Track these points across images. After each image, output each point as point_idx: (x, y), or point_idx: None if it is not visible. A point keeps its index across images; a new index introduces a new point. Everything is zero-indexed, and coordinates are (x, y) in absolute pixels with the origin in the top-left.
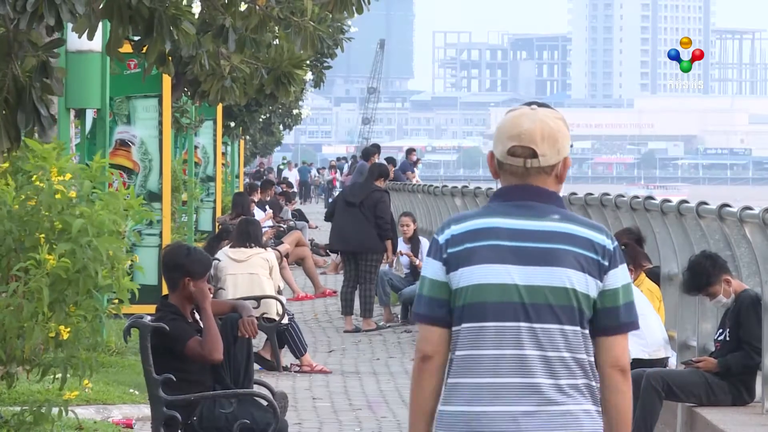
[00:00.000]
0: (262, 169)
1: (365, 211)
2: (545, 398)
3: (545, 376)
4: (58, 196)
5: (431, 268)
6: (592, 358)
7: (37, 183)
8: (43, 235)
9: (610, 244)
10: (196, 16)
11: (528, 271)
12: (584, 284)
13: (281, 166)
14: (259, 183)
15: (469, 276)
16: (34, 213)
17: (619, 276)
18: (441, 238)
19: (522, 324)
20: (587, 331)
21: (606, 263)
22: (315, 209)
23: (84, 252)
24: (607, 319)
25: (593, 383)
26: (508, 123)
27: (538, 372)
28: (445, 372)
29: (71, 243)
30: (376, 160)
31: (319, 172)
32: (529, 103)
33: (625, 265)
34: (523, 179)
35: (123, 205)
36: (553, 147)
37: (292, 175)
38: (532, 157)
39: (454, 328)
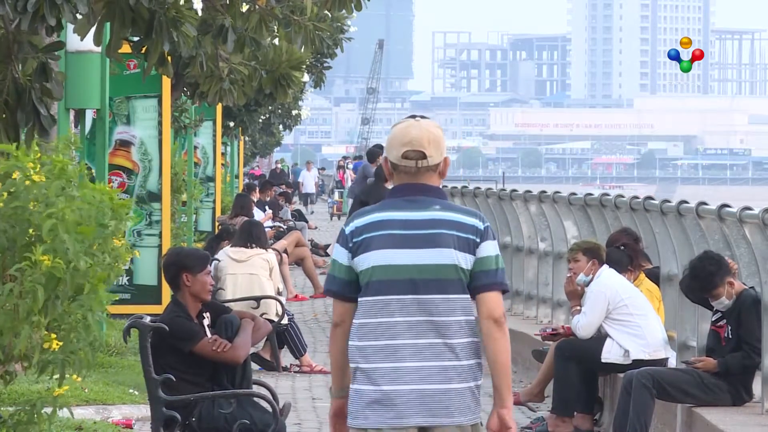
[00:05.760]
0: (278, 170)
1: None
2: (432, 355)
3: (433, 337)
4: (33, 200)
5: (340, 254)
6: (474, 317)
7: (15, 177)
8: (35, 233)
9: (481, 225)
10: (200, 13)
11: (418, 253)
12: (463, 259)
13: (282, 166)
14: (257, 183)
15: (370, 260)
16: (23, 211)
17: (490, 248)
18: (347, 230)
19: (413, 296)
20: (469, 296)
21: (477, 240)
22: (325, 209)
23: (62, 249)
24: (481, 279)
25: (476, 339)
26: (399, 133)
27: (427, 334)
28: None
29: (47, 243)
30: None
31: (319, 172)
32: (413, 116)
33: (495, 241)
34: (415, 178)
35: (99, 196)
36: (437, 149)
37: (311, 176)
38: (422, 159)
39: (360, 299)
